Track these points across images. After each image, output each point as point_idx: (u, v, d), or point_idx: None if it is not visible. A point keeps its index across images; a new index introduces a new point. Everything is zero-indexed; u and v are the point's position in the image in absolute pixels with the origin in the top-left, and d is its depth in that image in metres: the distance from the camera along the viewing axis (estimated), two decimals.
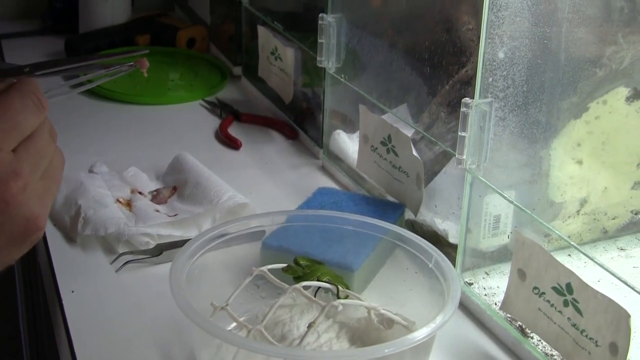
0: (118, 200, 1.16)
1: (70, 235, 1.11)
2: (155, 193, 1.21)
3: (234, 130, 1.48)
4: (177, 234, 1.11)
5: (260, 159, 1.40)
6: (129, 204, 1.16)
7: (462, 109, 0.93)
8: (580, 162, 1.03)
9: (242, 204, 1.15)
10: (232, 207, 1.15)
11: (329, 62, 1.29)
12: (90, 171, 1.26)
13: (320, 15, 1.27)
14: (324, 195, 1.15)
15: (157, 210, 1.15)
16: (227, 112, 1.55)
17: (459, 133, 0.94)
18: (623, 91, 1.01)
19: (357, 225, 0.98)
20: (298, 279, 0.89)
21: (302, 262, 0.92)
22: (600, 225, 1.08)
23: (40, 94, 0.68)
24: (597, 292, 0.78)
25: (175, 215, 1.15)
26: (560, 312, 0.83)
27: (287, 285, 0.87)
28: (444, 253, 0.91)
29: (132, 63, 0.89)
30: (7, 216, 0.65)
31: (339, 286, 0.89)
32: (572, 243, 0.88)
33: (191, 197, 1.18)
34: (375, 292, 0.98)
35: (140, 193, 1.20)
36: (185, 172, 1.23)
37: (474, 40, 1.00)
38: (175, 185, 1.22)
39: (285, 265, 0.91)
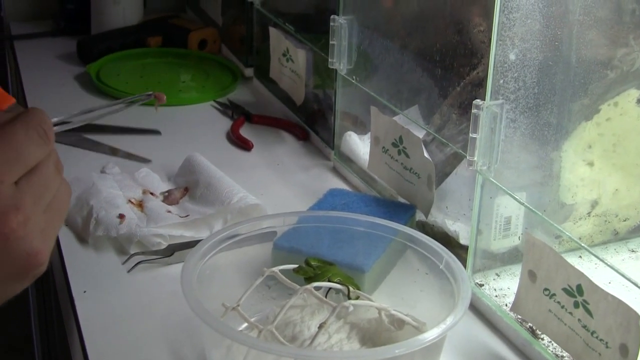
0: (130, 201, 1.17)
1: (82, 236, 1.11)
2: (166, 194, 1.21)
3: (245, 132, 1.49)
4: (188, 234, 1.11)
5: (272, 160, 1.40)
6: (140, 205, 1.17)
7: (473, 111, 0.93)
8: (591, 164, 1.02)
9: (253, 205, 1.16)
10: (244, 208, 1.15)
11: (340, 63, 1.30)
12: (102, 172, 1.26)
13: (332, 16, 1.27)
14: (335, 196, 1.15)
15: (169, 211, 1.16)
16: (239, 113, 1.55)
17: (470, 135, 0.94)
18: (634, 93, 1.01)
19: (368, 227, 0.99)
20: (309, 279, 0.89)
21: (313, 263, 0.92)
22: (611, 227, 1.08)
23: (47, 125, 0.66)
24: (607, 293, 0.78)
25: (187, 216, 1.15)
26: (570, 313, 0.83)
27: (298, 286, 0.87)
28: (454, 254, 0.91)
29: (150, 93, 0.90)
30: (7, 251, 0.62)
31: (350, 287, 0.89)
32: (582, 245, 0.88)
33: (203, 198, 1.19)
34: (386, 293, 0.98)
35: (151, 194, 1.20)
36: (197, 173, 1.24)
37: (485, 42, 1.00)
38: (187, 186, 1.23)
39: (296, 266, 0.91)
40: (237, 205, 1.15)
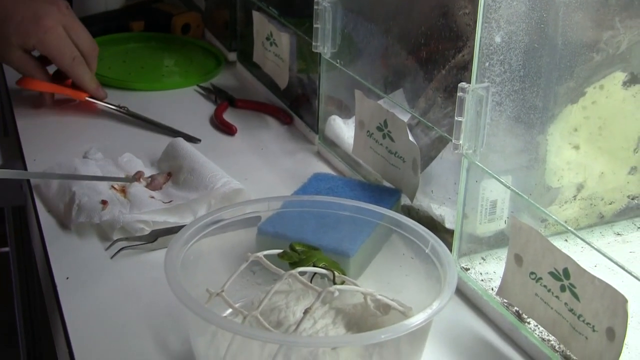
0: (112, 187, 1.16)
1: (64, 222, 1.10)
2: (150, 179, 1.20)
3: (229, 116, 1.48)
4: (172, 220, 1.10)
5: (256, 145, 1.39)
6: (123, 191, 1.16)
7: (459, 94, 0.93)
8: (577, 147, 1.02)
9: (237, 190, 1.15)
10: (228, 193, 1.14)
11: (324, 47, 1.29)
12: (85, 157, 1.25)
13: (316, 0, 1.26)
14: (319, 181, 1.15)
15: (152, 197, 1.15)
16: (222, 98, 1.54)
17: (456, 118, 0.94)
18: (620, 76, 1.01)
19: (353, 211, 0.98)
20: (294, 264, 0.89)
21: (298, 248, 0.91)
22: (597, 210, 1.08)
23: None
24: (594, 277, 0.78)
25: (170, 201, 1.14)
26: (557, 297, 0.83)
27: (282, 271, 0.86)
28: (440, 238, 0.90)
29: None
30: None
31: (335, 272, 0.88)
32: (569, 228, 0.88)
33: (186, 183, 1.18)
34: (372, 278, 0.98)
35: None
36: (180, 158, 1.23)
37: (471, 25, 1.00)
38: (170, 172, 1.22)
39: (281, 251, 0.91)
40: (221, 190, 1.14)
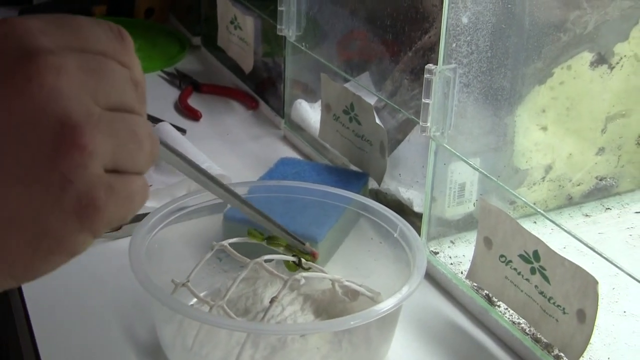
0: None
1: None
2: None
3: (193, 101, 1.46)
4: (150, 204, 1.08)
5: (221, 130, 1.38)
6: None
7: (426, 76, 0.91)
8: (544, 129, 1.02)
9: (218, 175, 1.13)
10: None
11: (289, 30, 1.27)
12: None
13: None
14: (286, 165, 1.13)
15: None
16: (187, 83, 1.53)
17: (423, 100, 0.93)
18: (587, 56, 1.00)
19: (320, 196, 0.97)
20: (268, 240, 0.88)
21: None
22: (565, 191, 1.08)
23: (124, 30, 0.51)
24: (564, 259, 0.78)
25: (150, 186, 1.12)
26: (527, 280, 0.82)
27: (248, 260, 0.85)
28: (408, 222, 0.90)
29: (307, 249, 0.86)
30: (24, 104, 0.42)
31: (302, 258, 0.87)
32: (538, 209, 0.87)
33: (168, 168, 1.16)
34: (340, 262, 0.97)
35: None
36: None
37: (437, 6, 0.99)
38: None
39: (245, 239, 0.89)
40: None
